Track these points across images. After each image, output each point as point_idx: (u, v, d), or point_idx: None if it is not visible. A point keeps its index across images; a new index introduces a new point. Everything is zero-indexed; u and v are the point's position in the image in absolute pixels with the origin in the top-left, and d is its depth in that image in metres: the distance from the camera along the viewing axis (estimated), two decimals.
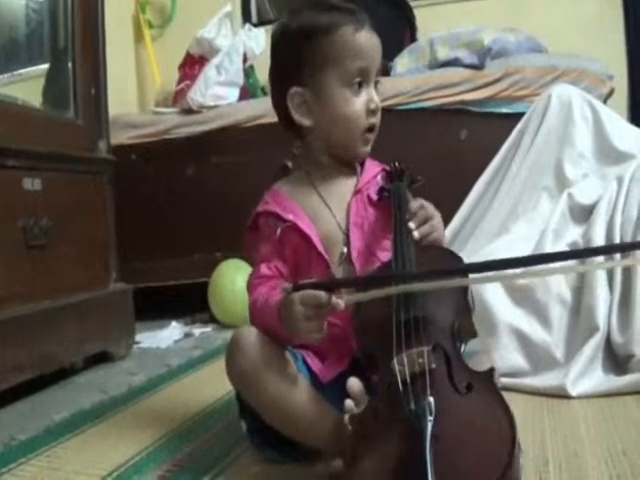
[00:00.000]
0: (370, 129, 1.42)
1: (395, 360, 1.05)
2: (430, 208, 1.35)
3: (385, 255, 1.38)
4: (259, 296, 1.34)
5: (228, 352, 1.29)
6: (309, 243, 1.37)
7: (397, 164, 1.50)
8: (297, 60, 1.40)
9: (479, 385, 0.99)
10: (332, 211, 1.42)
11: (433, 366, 1.02)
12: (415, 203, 1.34)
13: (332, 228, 1.40)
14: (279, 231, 1.39)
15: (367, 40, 1.38)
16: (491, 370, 1.03)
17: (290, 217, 1.39)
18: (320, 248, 1.37)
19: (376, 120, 1.42)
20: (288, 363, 1.28)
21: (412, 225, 1.30)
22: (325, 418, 1.22)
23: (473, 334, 1.24)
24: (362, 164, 1.50)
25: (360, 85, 1.39)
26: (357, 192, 1.43)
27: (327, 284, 1.18)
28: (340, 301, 1.14)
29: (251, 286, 1.42)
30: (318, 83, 1.39)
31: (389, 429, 0.99)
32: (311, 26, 1.38)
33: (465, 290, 1.23)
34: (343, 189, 1.45)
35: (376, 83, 1.42)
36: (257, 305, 1.33)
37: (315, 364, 1.35)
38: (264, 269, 1.42)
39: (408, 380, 1.01)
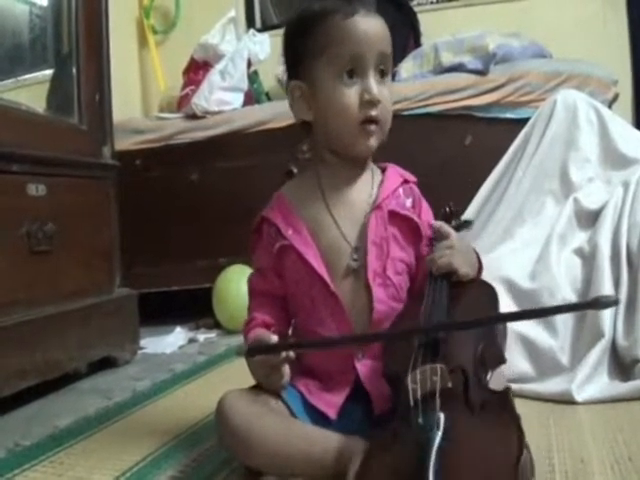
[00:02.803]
0: (368, 121, 1.34)
1: (409, 377, 1.05)
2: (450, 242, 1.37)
3: (398, 279, 1.37)
4: (246, 322, 1.42)
5: (216, 420, 1.29)
6: (307, 262, 1.35)
7: (449, 208, 1.52)
8: (294, 54, 1.39)
9: (494, 404, 0.98)
10: (337, 221, 1.38)
11: (449, 385, 1.02)
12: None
13: (336, 239, 1.37)
14: (277, 246, 1.38)
15: (359, 25, 1.31)
16: (507, 389, 1.02)
17: (289, 233, 1.37)
18: (317, 267, 1.34)
19: (376, 112, 1.33)
20: (276, 414, 1.25)
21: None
22: (327, 444, 1.18)
23: (501, 360, 1.23)
24: (384, 171, 1.46)
25: (352, 74, 1.33)
26: (376, 208, 1.38)
27: (281, 346, 1.21)
28: (291, 353, 1.21)
29: (249, 292, 1.48)
30: (312, 75, 1.36)
31: (397, 446, 0.97)
32: (304, 17, 1.37)
33: None
34: (354, 197, 1.40)
35: (383, 72, 1.36)
36: (244, 332, 1.41)
37: (318, 398, 1.31)
38: (258, 282, 1.46)
39: (419, 397, 1.00)
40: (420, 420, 0.94)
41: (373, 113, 1.33)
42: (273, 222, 1.40)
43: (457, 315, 1.25)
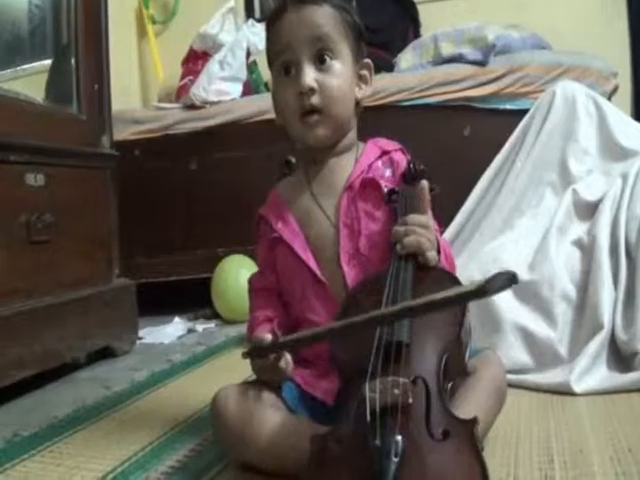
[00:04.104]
0: (307, 113, 1.35)
1: (367, 385, 0.98)
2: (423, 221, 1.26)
3: (375, 254, 1.34)
4: (248, 324, 1.45)
5: (212, 416, 1.30)
6: (294, 252, 1.37)
7: (415, 165, 1.40)
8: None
9: (457, 435, 0.91)
10: (323, 210, 1.40)
11: (410, 401, 0.94)
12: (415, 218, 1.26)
13: (325, 228, 1.38)
14: (269, 239, 1.42)
15: (286, 22, 1.36)
16: (474, 420, 0.94)
17: (279, 226, 1.40)
18: (304, 256, 1.36)
19: (310, 101, 1.34)
20: (270, 410, 1.23)
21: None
22: None
23: (463, 371, 1.19)
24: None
25: (288, 70, 1.36)
26: (348, 187, 1.38)
27: (274, 346, 1.16)
28: (287, 354, 1.20)
29: (251, 290, 1.50)
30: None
31: (350, 460, 0.93)
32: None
33: (460, 324, 1.15)
34: (336, 181, 1.41)
35: (323, 58, 1.35)
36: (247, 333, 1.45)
37: (314, 386, 1.30)
38: (259, 280, 1.49)
39: (377, 410, 0.94)
40: (377, 442, 0.89)
41: (307, 102, 1.34)
42: (266, 218, 1.44)
43: (424, 292, 1.09)
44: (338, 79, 1.36)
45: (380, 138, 1.48)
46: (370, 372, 1.01)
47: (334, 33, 1.35)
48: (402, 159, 1.44)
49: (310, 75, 1.33)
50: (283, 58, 1.36)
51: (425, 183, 1.32)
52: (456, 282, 1.21)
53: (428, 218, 1.28)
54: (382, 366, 1.02)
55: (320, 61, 1.35)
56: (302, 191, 1.43)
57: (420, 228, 1.24)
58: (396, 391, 0.95)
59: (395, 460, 0.85)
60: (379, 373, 1.00)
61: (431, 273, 1.23)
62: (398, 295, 1.13)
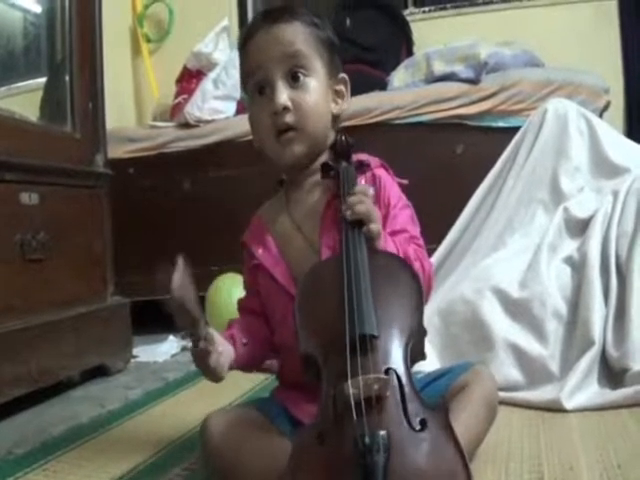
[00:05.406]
0: (283, 131, 1.34)
1: (350, 383, 0.98)
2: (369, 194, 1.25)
3: None
4: None
5: (200, 442, 1.29)
6: (275, 279, 1.35)
7: (343, 137, 1.38)
8: None
9: (434, 423, 0.95)
10: (304, 234, 1.37)
11: (387, 394, 0.97)
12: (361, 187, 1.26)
13: (305, 253, 1.35)
14: (251, 266, 1.42)
15: (256, 44, 1.36)
16: (446, 408, 0.99)
17: (260, 252, 1.39)
18: (284, 283, 1.34)
19: (284, 119, 1.33)
20: (260, 439, 1.22)
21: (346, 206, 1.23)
22: None
23: (423, 356, 1.18)
24: None
25: (262, 91, 1.35)
26: (328, 206, 1.34)
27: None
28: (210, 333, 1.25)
29: (238, 309, 1.49)
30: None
31: (335, 458, 0.94)
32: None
33: (421, 312, 1.15)
34: (315, 204, 1.38)
35: (296, 75, 1.34)
36: None
37: (300, 410, 1.29)
38: (244, 300, 1.48)
39: (363, 409, 0.95)
40: (367, 439, 0.90)
41: (282, 121, 1.33)
42: (247, 245, 1.43)
43: (381, 281, 1.15)
44: (312, 96, 1.34)
45: (361, 153, 1.43)
46: (350, 368, 1.01)
47: (306, 49, 1.34)
48: (385, 175, 1.40)
49: (284, 94, 1.32)
50: (256, 77, 1.36)
51: (371, 190, 1.30)
52: (407, 270, 1.19)
53: (369, 188, 1.27)
54: (355, 362, 1.02)
55: (293, 79, 1.34)
56: (281, 214, 1.42)
57: (365, 197, 1.23)
58: (376, 387, 0.97)
59: (384, 455, 0.88)
60: (359, 371, 1.00)
61: (384, 264, 1.20)
62: (361, 288, 1.12)
